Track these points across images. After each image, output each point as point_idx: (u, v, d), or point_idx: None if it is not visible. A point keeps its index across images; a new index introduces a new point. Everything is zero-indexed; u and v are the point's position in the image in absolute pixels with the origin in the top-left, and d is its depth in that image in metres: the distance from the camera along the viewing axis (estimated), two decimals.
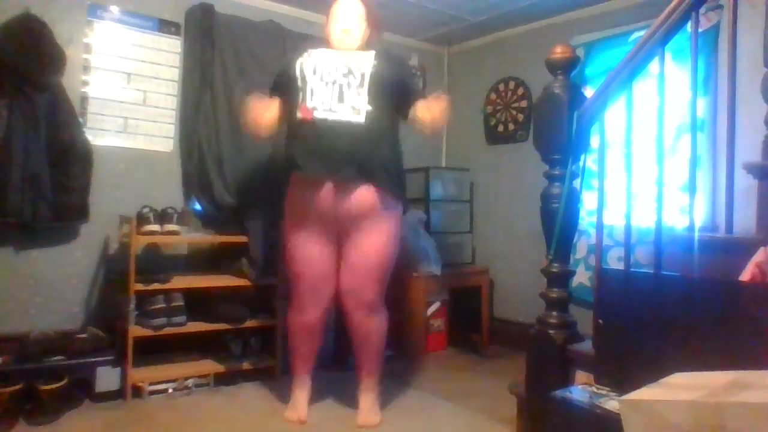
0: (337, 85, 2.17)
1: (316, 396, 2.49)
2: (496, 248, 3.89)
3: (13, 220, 2.54)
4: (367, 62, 2.22)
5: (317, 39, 2.43)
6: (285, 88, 2.30)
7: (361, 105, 2.16)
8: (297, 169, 2.22)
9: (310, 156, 2.17)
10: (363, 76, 2.18)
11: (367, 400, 2.38)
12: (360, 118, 2.15)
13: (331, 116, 2.14)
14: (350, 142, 2.14)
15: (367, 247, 2.23)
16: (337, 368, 2.97)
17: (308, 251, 2.26)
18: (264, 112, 2.33)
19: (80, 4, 2.85)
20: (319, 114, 2.15)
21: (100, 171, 2.83)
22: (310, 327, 2.35)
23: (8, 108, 2.52)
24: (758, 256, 1.59)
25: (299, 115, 2.19)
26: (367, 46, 2.35)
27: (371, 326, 2.33)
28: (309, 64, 2.23)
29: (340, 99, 2.16)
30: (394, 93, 2.25)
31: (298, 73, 2.22)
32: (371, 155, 2.17)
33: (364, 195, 2.18)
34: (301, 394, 2.40)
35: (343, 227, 2.23)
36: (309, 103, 2.16)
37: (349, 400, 2.47)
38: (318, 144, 2.15)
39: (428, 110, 2.26)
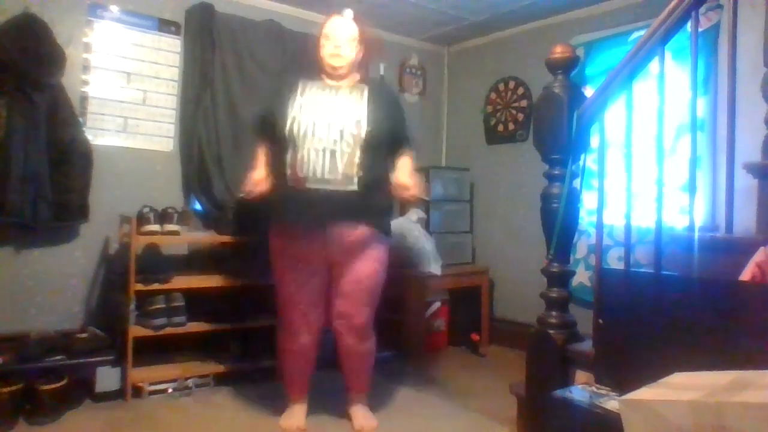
0: (328, 151, 2.10)
1: (313, 399, 2.46)
2: (496, 248, 3.89)
3: (13, 220, 2.54)
4: (360, 115, 2.14)
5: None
6: (274, 135, 2.20)
7: (354, 172, 2.11)
8: (283, 220, 2.20)
9: (298, 213, 2.13)
10: (355, 138, 2.11)
11: (359, 410, 2.38)
12: (353, 186, 2.11)
13: (323, 186, 2.09)
14: (342, 207, 2.11)
15: (358, 273, 2.22)
16: (336, 368, 2.96)
17: (298, 278, 2.23)
18: (257, 179, 2.27)
19: (80, 4, 2.85)
20: (311, 185, 2.10)
21: (100, 171, 2.83)
22: (302, 351, 2.32)
23: (8, 108, 2.52)
24: (758, 256, 1.59)
25: (289, 180, 2.14)
26: (358, 68, 2.30)
27: (361, 349, 2.33)
28: (301, 122, 2.13)
29: (332, 168, 2.09)
30: (385, 145, 2.22)
31: (287, 131, 2.13)
32: (361, 209, 2.15)
33: (353, 233, 2.16)
34: (299, 407, 2.38)
35: (332, 258, 2.21)
36: (300, 172, 2.10)
37: (346, 408, 2.45)
38: (308, 209, 2.11)
39: (404, 184, 2.22)
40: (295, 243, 2.19)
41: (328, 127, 2.12)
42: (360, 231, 2.17)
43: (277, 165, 2.21)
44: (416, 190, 2.23)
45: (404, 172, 2.25)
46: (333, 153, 2.10)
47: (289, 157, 2.14)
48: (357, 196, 2.12)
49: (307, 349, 2.33)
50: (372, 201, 2.18)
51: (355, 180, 2.11)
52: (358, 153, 2.11)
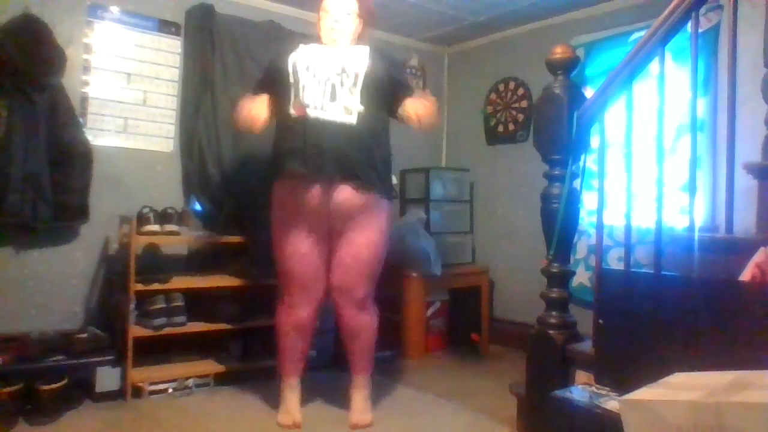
0: (329, 83, 2.14)
1: (309, 396, 2.47)
2: (496, 248, 3.89)
3: (13, 220, 2.54)
4: (360, 60, 2.20)
5: (309, 36, 2.40)
6: (275, 83, 2.26)
7: (353, 105, 2.14)
8: (286, 169, 2.20)
9: (299, 156, 2.15)
10: (356, 75, 2.16)
11: (359, 399, 2.36)
12: (352, 119, 2.13)
13: (322, 115, 2.12)
14: (341, 143, 2.12)
15: (358, 244, 2.22)
16: (335, 368, 2.96)
17: (298, 248, 2.23)
18: (257, 108, 2.32)
19: (80, 4, 2.86)
20: (310, 112, 2.12)
21: (100, 171, 2.83)
22: (301, 325, 2.32)
23: (8, 108, 2.52)
24: (758, 256, 1.59)
25: (291, 111, 2.16)
26: (358, 41, 2.32)
27: (362, 323, 2.32)
28: (302, 61, 2.20)
29: (332, 98, 2.13)
30: (386, 91, 2.24)
31: (290, 68, 2.19)
32: (361, 156, 2.16)
33: (354, 195, 2.16)
34: (292, 397, 2.36)
35: (332, 225, 2.22)
36: (302, 101, 2.14)
37: (343, 400, 2.45)
38: (308, 144, 2.12)
39: (415, 109, 2.27)
40: (298, 199, 2.18)
41: (329, 62, 2.18)
42: (360, 196, 2.17)
43: (280, 109, 2.24)
44: (425, 112, 2.25)
45: (411, 105, 2.28)
46: (333, 87, 2.14)
47: (291, 90, 2.17)
48: (355, 131, 2.13)
49: (304, 325, 2.32)
50: (372, 146, 2.18)
51: (355, 113, 2.13)
52: (358, 91, 2.15)
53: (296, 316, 2.31)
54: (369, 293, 2.31)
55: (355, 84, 2.16)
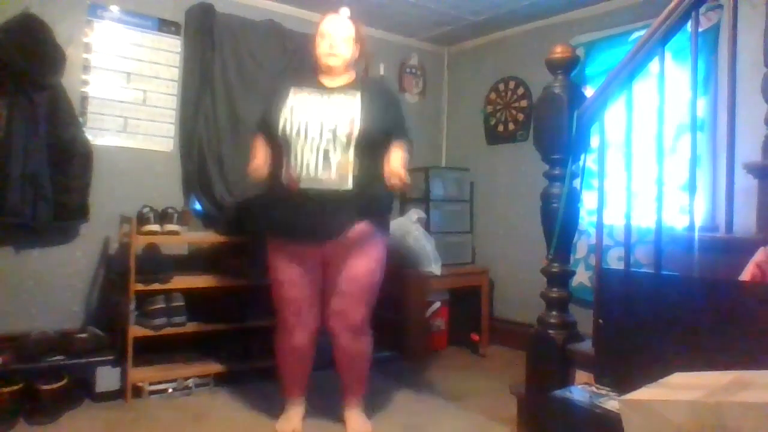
0: (321, 149, 2.08)
1: (309, 397, 2.45)
2: (496, 248, 3.89)
3: (13, 220, 2.54)
4: (353, 115, 2.11)
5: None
6: (270, 134, 2.20)
7: (348, 170, 2.09)
8: (277, 234, 2.20)
9: (291, 226, 2.13)
10: (349, 137, 2.09)
11: (354, 414, 2.36)
12: (347, 185, 2.09)
13: (316, 186, 2.07)
14: (335, 209, 2.09)
15: (355, 270, 2.19)
16: (334, 368, 2.96)
17: (291, 276, 2.21)
18: (260, 159, 2.24)
19: (80, 3, 2.86)
20: (304, 185, 2.08)
21: (100, 171, 2.83)
22: (298, 350, 2.31)
23: (8, 108, 2.52)
24: (758, 256, 1.59)
25: (283, 180, 2.12)
26: (354, 67, 2.29)
27: (357, 349, 2.30)
28: (294, 122, 2.12)
29: (326, 165, 2.07)
30: (382, 140, 2.18)
31: (279, 131, 2.12)
32: (358, 211, 2.12)
33: (352, 233, 2.14)
34: (295, 411, 2.37)
35: (328, 259, 2.20)
36: (293, 171, 2.09)
37: (342, 405, 2.44)
38: (303, 214, 2.10)
39: (392, 170, 2.14)
40: (291, 247, 2.18)
41: (320, 126, 2.10)
42: (357, 229, 2.14)
43: (272, 166, 2.20)
44: (405, 177, 2.13)
45: (394, 160, 2.17)
46: (326, 153, 2.08)
47: (283, 158, 2.13)
48: (351, 195, 2.09)
49: (302, 349, 2.31)
50: (368, 199, 2.15)
51: (350, 180, 2.09)
52: (352, 152, 2.09)
53: (293, 341, 2.29)
54: (365, 319, 2.28)
55: (347, 147, 2.09)
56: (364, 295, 2.24)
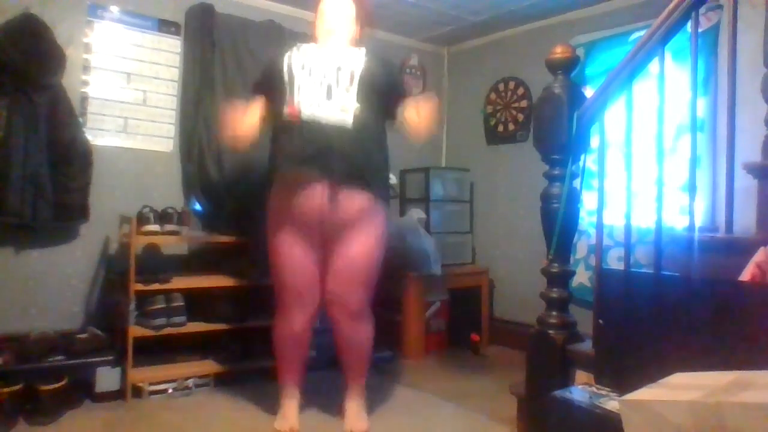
0: (325, 82, 2.11)
1: (308, 398, 2.46)
2: (496, 248, 3.89)
3: (13, 220, 2.54)
4: (356, 60, 2.18)
5: (308, 37, 2.37)
6: (271, 83, 2.23)
7: (350, 104, 2.11)
8: (282, 172, 2.17)
9: (295, 157, 2.11)
10: (352, 74, 2.13)
11: (353, 407, 2.34)
12: (348, 118, 2.10)
13: (318, 114, 2.08)
14: (337, 144, 2.08)
15: (354, 252, 2.17)
16: (335, 368, 2.96)
17: (293, 258, 2.20)
18: (242, 121, 2.24)
19: (80, 4, 2.86)
20: (306, 111, 2.08)
21: (100, 171, 2.83)
22: (297, 336, 2.30)
23: (8, 108, 2.52)
24: (758, 256, 1.59)
25: (286, 112, 2.13)
26: (355, 44, 2.30)
27: (358, 333, 2.29)
28: (297, 60, 2.17)
29: (328, 97, 2.10)
30: (383, 93, 2.21)
31: (285, 68, 2.16)
32: (358, 158, 2.12)
33: (351, 199, 2.12)
34: (291, 404, 2.35)
35: (328, 233, 2.17)
36: (296, 100, 2.11)
37: (340, 404, 2.43)
38: (304, 144, 2.09)
39: (416, 111, 2.19)
40: (294, 204, 2.14)
41: (324, 63, 2.14)
42: (358, 200, 2.13)
43: (275, 109, 2.21)
44: (427, 115, 2.16)
45: (410, 108, 2.21)
46: (329, 88, 2.11)
47: (287, 92, 2.15)
48: (351, 135, 2.10)
49: (300, 333, 2.30)
50: (368, 149, 2.15)
51: (351, 119, 2.10)
52: (354, 92, 2.12)
53: (291, 326, 2.28)
54: (365, 302, 2.26)
55: (351, 83, 2.13)
56: (363, 278, 2.21)
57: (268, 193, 2.27)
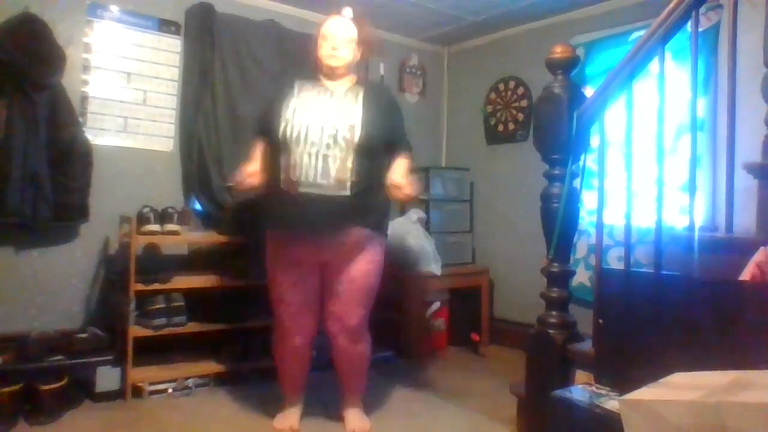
0: (321, 155, 2.07)
1: (308, 398, 2.46)
2: (496, 248, 3.89)
3: (13, 220, 2.54)
4: (354, 120, 2.12)
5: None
6: (270, 132, 2.19)
7: (347, 177, 2.08)
8: (277, 225, 2.20)
9: (291, 222, 2.13)
10: (349, 144, 2.08)
11: (353, 413, 2.37)
12: (345, 191, 2.08)
13: (315, 191, 2.07)
14: (333, 213, 2.09)
15: (353, 274, 2.19)
16: (332, 369, 2.96)
17: (290, 280, 2.22)
18: (250, 173, 2.26)
19: (80, 3, 2.86)
20: (303, 189, 2.07)
21: (100, 171, 2.83)
22: (297, 351, 2.31)
23: (8, 108, 2.52)
24: (758, 256, 1.59)
25: (282, 183, 2.12)
26: (355, 69, 2.29)
27: (355, 351, 2.30)
28: (294, 126, 2.10)
29: (324, 172, 2.07)
30: (382, 144, 2.19)
31: (280, 135, 2.11)
32: (355, 216, 2.12)
33: (350, 238, 2.14)
34: (293, 409, 2.38)
35: (327, 260, 2.20)
36: (292, 176, 2.08)
37: (339, 410, 2.44)
38: (301, 215, 2.09)
39: (397, 183, 2.19)
40: (289, 248, 2.19)
41: (321, 130, 2.09)
42: (354, 234, 2.15)
43: (272, 168, 2.20)
44: (410, 190, 2.20)
45: (398, 172, 2.22)
46: (326, 157, 2.07)
47: (282, 160, 2.12)
48: (349, 201, 2.09)
49: (299, 352, 2.32)
50: (366, 205, 2.15)
51: (348, 185, 2.08)
52: (351, 158, 2.09)
53: (290, 344, 2.30)
54: (363, 321, 2.28)
55: (347, 152, 2.08)
56: (361, 297, 2.24)
57: (265, 230, 2.28)
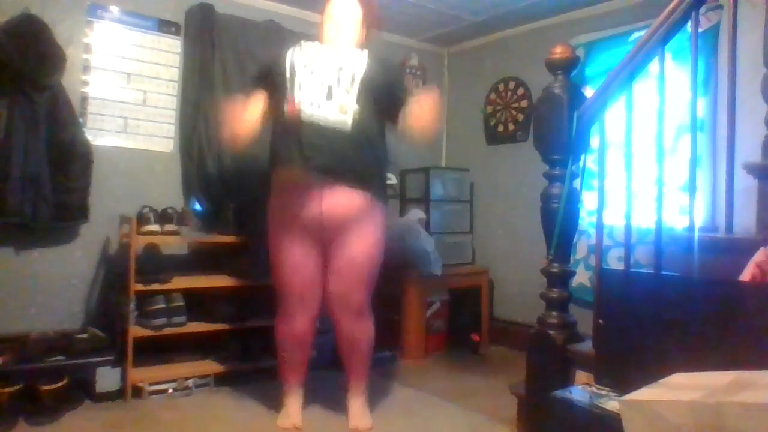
0: (326, 82, 2.11)
1: (310, 397, 2.47)
2: (496, 248, 3.89)
3: (13, 220, 2.54)
4: (359, 62, 2.18)
5: (310, 36, 2.38)
6: (272, 78, 2.23)
7: (349, 104, 2.11)
8: (281, 168, 2.18)
9: (294, 157, 2.11)
10: (353, 76, 2.13)
11: (357, 404, 2.35)
12: (347, 119, 2.10)
13: (318, 114, 2.08)
14: (336, 145, 2.09)
15: (354, 251, 2.18)
16: (335, 368, 2.96)
17: (293, 258, 2.21)
18: (243, 118, 2.25)
19: (80, 4, 2.86)
20: (305, 109, 2.08)
21: (100, 171, 2.83)
22: (299, 336, 2.31)
23: (8, 108, 2.52)
24: (758, 256, 1.59)
25: (285, 108, 2.13)
26: (360, 47, 2.30)
27: (359, 330, 2.30)
28: (300, 58, 2.17)
29: (329, 96, 2.10)
30: (384, 95, 2.20)
31: (287, 64, 2.16)
32: (356, 159, 2.13)
33: (350, 200, 2.13)
34: (294, 402, 2.37)
35: (327, 234, 2.18)
36: (296, 97, 2.11)
37: (343, 402, 2.43)
38: (303, 144, 2.09)
39: (420, 110, 2.16)
40: (293, 205, 2.16)
41: (326, 64, 2.14)
42: (356, 200, 2.14)
43: (275, 104, 2.21)
44: (431, 111, 2.14)
45: (415, 108, 2.17)
46: (330, 89, 2.11)
47: (287, 90, 2.14)
48: (349, 139, 2.10)
49: (302, 335, 2.32)
50: (366, 153, 2.16)
51: (350, 121, 2.10)
52: (354, 94, 2.12)
53: (293, 328, 2.30)
54: (366, 300, 2.28)
55: (351, 84, 2.13)
56: (363, 276, 2.23)
57: (268, 192, 2.28)
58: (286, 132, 2.15)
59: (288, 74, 2.16)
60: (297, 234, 2.20)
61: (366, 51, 2.25)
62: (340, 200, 2.13)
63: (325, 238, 2.20)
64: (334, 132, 2.09)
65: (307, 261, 2.23)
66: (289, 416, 2.33)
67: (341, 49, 2.23)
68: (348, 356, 2.35)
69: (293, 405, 2.36)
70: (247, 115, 2.26)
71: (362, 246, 2.20)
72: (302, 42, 2.27)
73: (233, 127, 2.26)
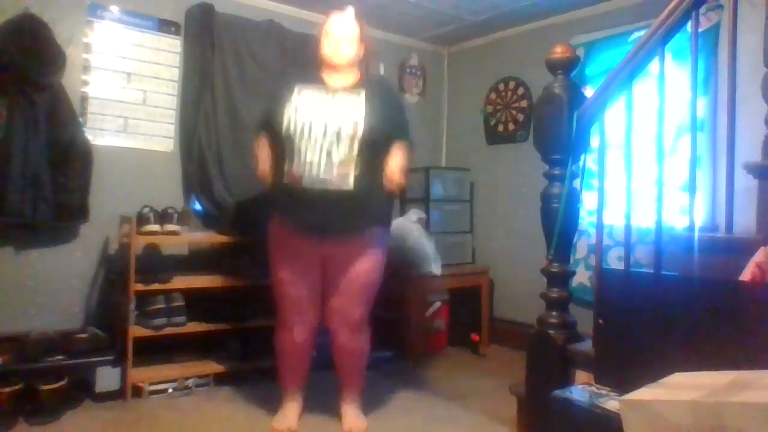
0: (325, 149, 2.09)
1: (307, 397, 2.46)
2: (496, 248, 3.89)
3: (13, 220, 2.54)
4: (357, 112, 2.12)
5: (308, 70, 2.34)
6: (273, 130, 2.20)
7: (350, 171, 2.09)
8: (280, 219, 2.22)
9: (295, 216, 2.16)
10: (352, 139, 2.09)
11: (350, 409, 2.37)
12: (348, 185, 2.09)
13: (319, 180, 2.08)
14: (338, 207, 2.11)
15: (356, 270, 2.22)
16: (332, 369, 2.96)
17: (291, 273, 2.23)
18: (266, 157, 2.25)
19: (80, 4, 2.86)
20: (306, 182, 2.08)
21: (100, 171, 2.83)
22: (299, 346, 2.33)
23: (8, 108, 2.52)
24: (758, 256, 1.59)
25: (286, 178, 2.13)
26: (358, 66, 2.29)
27: (355, 346, 2.33)
28: (298, 119, 2.12)
29: (328, 164, 2.08)
30: (385, 141, 2.19)
31: (283, 130, 2.13)
32: (358, 215, 2.15)
33: (354, 243, 2.19)
34: (292, 406, 2.38)
35: (329, 254, 2.22)
36: (296, 168, 2.10)
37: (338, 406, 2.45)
38: (305, 208, 2.12)
39: (394, 168, 2.17)
40: (293, 240, 2.20)
41: (324, 126, 2.10)
42: (357, 237, 2.18)
43: (276, 164, 2.21)
44: (397, 179, 2.16)
45: (393, 162, 2.18)
46: (329, 153, 2.09)
47: (286, 156, 2.14)
48: (352, 197, 2.10)
49: (302, 345, 2.33)
50: (369, 203, 2.17)
51: (351, 180, 2.09)
52: (354, 153, 2.10)
53: (293, 338, 2.31)
54: (364, 315, 2.31)
55: (351, 148, 2.09)
56: (363, 293, 2.26)
57: (269, 219, 2.30)
58: (288, 193, 2.15)
59: (285, 140, 2.13)
60: (296, 253, 2.22)
61: (364, 92, 2.18)
62: (344, 245, 2.18)
63: (327, 256, 2.23)
64: (337, 194, 2.10)
65: (306, 276, 2.25)
66: (285, 418, 2.34)
67: (339, 98, 2.16)
68: (343, 366, 2.38)
69: (290, 408, 2.37)
70: (265, 154, 2.25)
71: (363, 265, 2.23)
72: (299, 87, 2.19)
73: (262, 166, 2.24)
